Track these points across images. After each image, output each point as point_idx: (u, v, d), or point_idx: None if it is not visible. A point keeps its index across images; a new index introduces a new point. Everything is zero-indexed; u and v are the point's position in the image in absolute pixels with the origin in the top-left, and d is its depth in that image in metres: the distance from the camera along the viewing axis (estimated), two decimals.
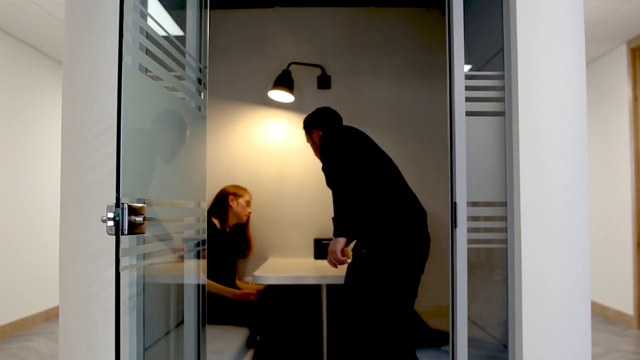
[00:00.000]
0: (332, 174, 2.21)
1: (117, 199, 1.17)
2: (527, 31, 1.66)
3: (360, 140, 2.30)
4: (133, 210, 1.19)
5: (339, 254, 2.15)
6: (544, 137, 1.66)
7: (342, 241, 2.15)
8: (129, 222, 1.18)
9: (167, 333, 1.81)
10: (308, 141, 2.60)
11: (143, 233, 1.24)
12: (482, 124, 1.75)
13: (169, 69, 1.57)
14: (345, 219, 2.16)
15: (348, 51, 3.33)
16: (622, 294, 4.09)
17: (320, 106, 3.31)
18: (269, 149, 3.34)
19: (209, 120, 1.93)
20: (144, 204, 1.26)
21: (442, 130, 1.90)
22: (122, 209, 1.17)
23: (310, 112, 2.59)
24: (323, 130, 2.44)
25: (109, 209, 1.16)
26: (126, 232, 1.18)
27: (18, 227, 3.95)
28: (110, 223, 1.16)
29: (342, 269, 2.25)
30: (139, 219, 1.21)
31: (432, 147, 3.24)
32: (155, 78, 1.47)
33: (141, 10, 1.43)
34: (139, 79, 1.35)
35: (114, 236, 1.18)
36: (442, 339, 2.46)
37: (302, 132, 3.32)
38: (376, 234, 2.18)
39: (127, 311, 1.50)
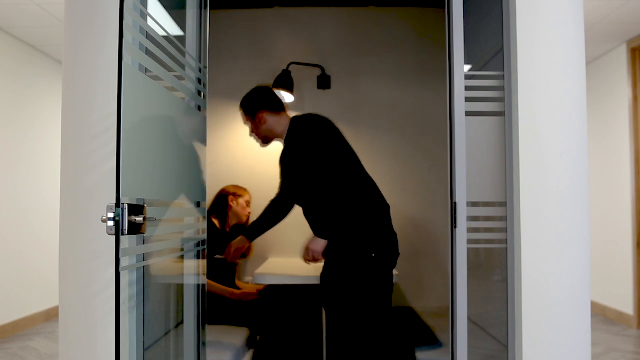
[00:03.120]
0: (317, 171, 2.13)
1: (117, 199, 1.17)
2: (527, 31, 1.67)
3: (336, 133, 2.23)
4: (133, 210, 1.19)
5: (320, 255, 2.15)
6: (544, 137, 1.66)
7: (324, 243, 2.14)
8: (129, 222, 1.18)
9: (167, 333, 1.81)
10: (247, 122, 2.41)
11: (143, 233, 1.24)
12: (482, 124, 1.75)
13: (169, 69, 1.57)
14: (331, 219, 2.14)
15: (348, 51, 3.33)
16: (622, 294, 4.09)
17: (319, 106, 3.32)
18: (269, 149, 3.32)
19: (209, 120, 1.93)
20: (144, 204, 1.26)
21: (442, 130, 1.90)
22: (122, 209, 1.17)
23: (248, 93, 2.40)
24: (272, 111, 2.32)
25: (109, 209, 1.16)
26: (126, 232, 1.18)
27: (18, 227, 3.95)
28: (111, 223, 1.16)
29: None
30: (139, 219, 1.21)
31: (432, 147, 3.24)
32: (155, 78, 1.47)
33: (141, 10, 1.43)
34: (139, 79, 1.35)
35: (114, 236, 1.18)
36: (441, 338, 2.46)
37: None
38: (363, 234, 2.14)
39: (127, 311, 1.50)
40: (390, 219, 2.22)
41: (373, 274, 2.13)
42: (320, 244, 2.15)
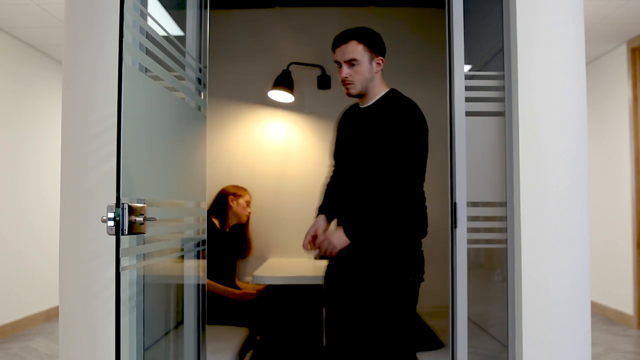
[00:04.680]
0: (393, 166, 1.84)
1: (118, 199, 1.17)
2: (527, 31, 1.67)
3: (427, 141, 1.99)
4: (133, 211, 1.19)
5: (334, 253, 1.85)
6: (544, 137, 1.66)
7: (346, 241, 1.84)
8: (129, 222, 1.18)
9: (167, 333, 1.81)
10: (352, 60, 1.91)
11: (143, 233, 1.24)
12: (482, 124, 1.75)
13: (169, 69, 1.57)
14: (380, 224, 1.85)
15: None
16: (622, 294, 4.09)
17: (319, 106, 3.31)
18: (269, 149, 3.34)
19: (209, 120, 1.93)
20: (143, 204, 1.26)
21: (442, 131, 1.90)
22: (123, 209, 1.17)
23: (360, 27, 1.95)
24: (382, 57, 1.96)
25: (109, 209, 1.16)
26: (126, 232, 1.18)
27: (18, 227, 3.95)
28: (111, 223, 1.16)
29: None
30: (139, 219, 1.21)
31: (433, 148, 3.23)
32: (155, 78, 1.47)
33: (141, 10, 1.43)
34: (139, 79, 1.35)
35: (114, 236, 1.18)
36: (441, 338, 2.45)
37: (302, 132, 3.33)
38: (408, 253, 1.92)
39: (127, 311, 1.50)
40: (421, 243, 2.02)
41: (407, 295, 1.92)
42: (343, 240, 1.83)
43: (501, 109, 1.74)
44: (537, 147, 1.65)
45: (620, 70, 4.14)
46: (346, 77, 1.93)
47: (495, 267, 1.84)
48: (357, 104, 2.06)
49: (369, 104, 1.98)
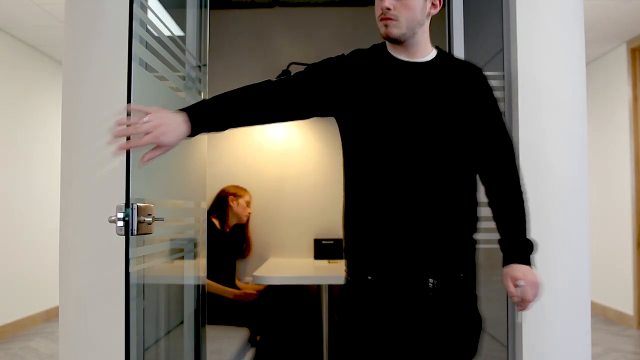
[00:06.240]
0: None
1: (127, 199, 1.16)
2: (527, 31, 1.67)
3: None
4: (140, 211, 1.19)
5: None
6: (544, 137, 1.66)
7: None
8: (137, 223, 1.18)
9: (167, 333, 1.81)
10: None
11: (150, 233, 1.23)
12: None
13: (171, 69, 1.57)
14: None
15: (348, 51, 3.33)
16: (622, 294, 4.09)
17: None
18: (269, 149, 3.33)
19: None
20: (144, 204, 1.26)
21: None
22: (132, 209, 1.16)
23: None
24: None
25: (118, 209, 1.15)
26: (135, 233, 1.17)
27: (17, 227, 3.95)
28: (120, 223, 1.15)
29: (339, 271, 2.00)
30: (148, 219, 1.20)
31: None
32: (159, 78, 1.47)
33: (142, 9, 1.43)
34: (144, 79, 1.35)
35: (124, 236, 1.17)
36: None
37: (302, 132, 3.32)
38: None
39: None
40: None
41: None
42: (534, 272, 1.34)
43: (501, 109, 1.74)
44: (537, 147, 1.65)
45: (620, 70, 4.14)
46: (389, 9, 1.31)
47: (495, 267, 1.84)
48: (383, 52, 1.45)
49: (425, 58, 1.40)
